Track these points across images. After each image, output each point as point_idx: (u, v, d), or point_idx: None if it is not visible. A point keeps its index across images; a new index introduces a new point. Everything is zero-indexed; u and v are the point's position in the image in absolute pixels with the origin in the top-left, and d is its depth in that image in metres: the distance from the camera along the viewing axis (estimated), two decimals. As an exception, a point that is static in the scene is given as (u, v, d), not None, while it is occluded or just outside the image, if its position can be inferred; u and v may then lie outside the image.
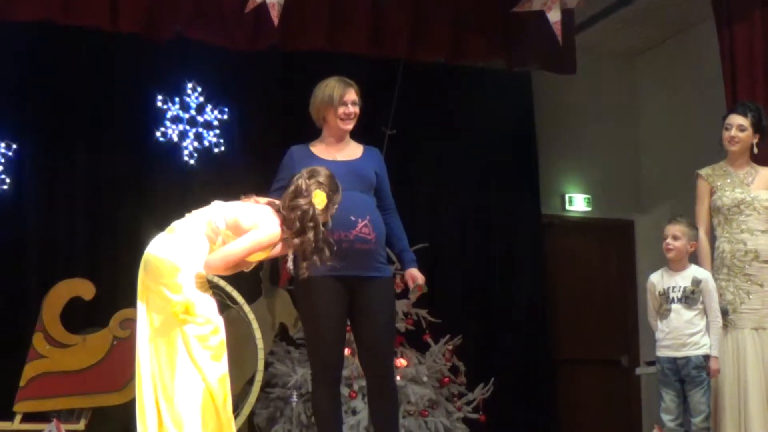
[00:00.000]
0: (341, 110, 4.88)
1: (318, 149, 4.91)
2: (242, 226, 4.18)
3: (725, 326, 5.50)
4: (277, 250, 4.28)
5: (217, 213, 4.24)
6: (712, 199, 5.71)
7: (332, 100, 4.85)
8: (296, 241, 4.22)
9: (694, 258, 5.73)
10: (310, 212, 4.23)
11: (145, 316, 4.19)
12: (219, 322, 4.16)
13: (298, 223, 4.21)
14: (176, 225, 4.28)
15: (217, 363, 4.09)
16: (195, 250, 4.16)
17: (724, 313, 5.51)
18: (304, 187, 4.28)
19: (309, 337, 4.84)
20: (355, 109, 4.91)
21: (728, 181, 5.75)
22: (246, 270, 4.34)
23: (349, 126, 4.92)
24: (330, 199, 4.31)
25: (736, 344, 5.56)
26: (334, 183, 4.36)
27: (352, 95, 4.90)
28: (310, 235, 4.21)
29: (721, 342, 5.47)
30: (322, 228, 4.25)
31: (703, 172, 5.79)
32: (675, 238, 5.61)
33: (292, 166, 4.79)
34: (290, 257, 4.29)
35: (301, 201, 4.24)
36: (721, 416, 5.51)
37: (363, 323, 4.82)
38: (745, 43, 6.93)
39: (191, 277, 4.11)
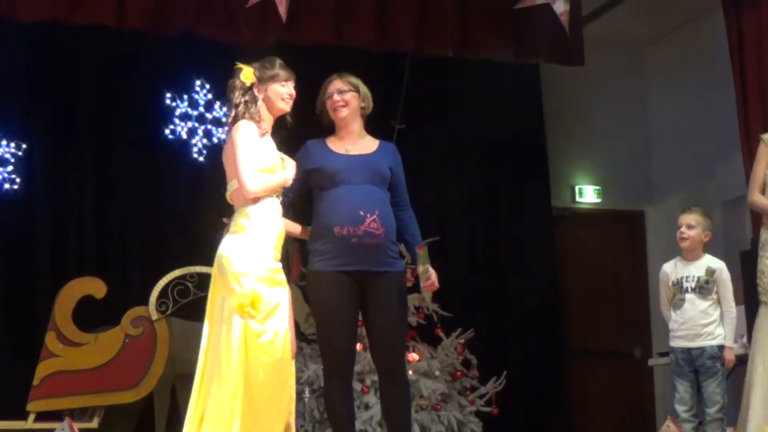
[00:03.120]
0: (329, 102, 4.94)
1: (332, 142, 4.94)
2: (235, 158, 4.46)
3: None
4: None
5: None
6: None
7: (322, 97, 4.95)
8: (242, 110, 4.53)
9: (708, 248, 5.70)
10: (236, 84, 4.56)
11: (207, 323, 4.38)
12: (279, 324, 4.33)
13: (233, 99, 4.56)
14: (243, 223, 4.41)
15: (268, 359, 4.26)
16: (261, 247, 4.36)
17: None
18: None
19: (320, 332, 4.84)
20: (342, 97, 4.92)
21: None
22: (285, 180, 4.54)
23: (342, 113, 4.92)
24: (261, 74, 4.58)
25: None
26: (270, 63, 4.63)
27: (336, 85, 4.94)
28: (243, 99, 4.54)
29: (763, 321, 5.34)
30: (258, 95, 4.57)
31: (766, 136, 5.55)
32: (689, 227, 5.59)
33: (305, 160, 4.82)
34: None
35: (229, 84, 4.61)
36: (752, 393, 5.38)
37: (375, 318, 4.82)
38: (753, 32, 6.92)
39: (258, 274, 4.29)
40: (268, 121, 4.62)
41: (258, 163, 4.45)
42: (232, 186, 4.51)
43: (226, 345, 4.23)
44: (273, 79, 4.62)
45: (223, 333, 4.27)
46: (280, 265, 4.46)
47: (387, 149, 5.03)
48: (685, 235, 5.58)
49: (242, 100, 4.57)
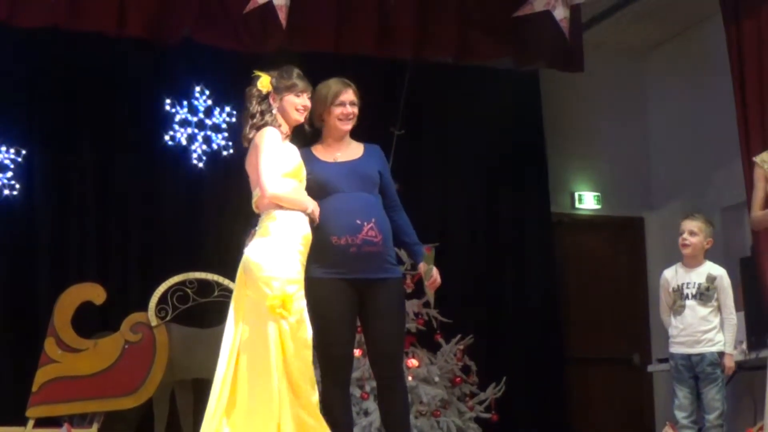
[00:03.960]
0: (339, 111, 4.85)
1: (318, 151, 4.88)
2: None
3: None
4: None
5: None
6: None
7: (330, 100, 4.83)
8: (258, 119, 4.57)
9: (707, 254, 5.70)
10: (253, 92, 4.60)
11: (233, 323, 4.42)
12: (308, 323, 4.41)
13: (249, 108, 4.59)
14: (270, 227, 4.42)
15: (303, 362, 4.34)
16: (288, 250, 4.40)
17: None
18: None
19: (318, 338, 4.82)
20: (353, 110, 4.89)
21: None
22: (305, 207, 4.52)
23: (348, 126, 4.90)
24: (278, 83, 4.60)
25: None
26: (287, 73, 4.65)
27: (350, 95, 4.88)
28: (259, 108, 4.57)
29: None
30: (273, 105, 4.60)
31: (759, 158, 5.53)
32: (692, 233, 5.59)
33: None
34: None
35: (246, 92, 4.64)
36: None
37: (373, 325, 4.81)
38: (752, 38, 6.93)
39: (288, 276, 4.34)
40: (284, 128, 4.64)
41: (280, 167, 4.47)
42: (256, 194, 4.52)
43: (263, 349, 4.25)
44: (289, 89, 4.64)
45: (258, 337, 4.28)
46: (302, 270, 4.47)
47: (373, 152, 4.99)
48: (687, 242, 5.58)
49: (258, 109, 4.59)
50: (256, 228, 4.51)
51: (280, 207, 4.44)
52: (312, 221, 4.53)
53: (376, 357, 4.89)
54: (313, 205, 4.56)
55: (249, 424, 4.23)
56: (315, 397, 4.41)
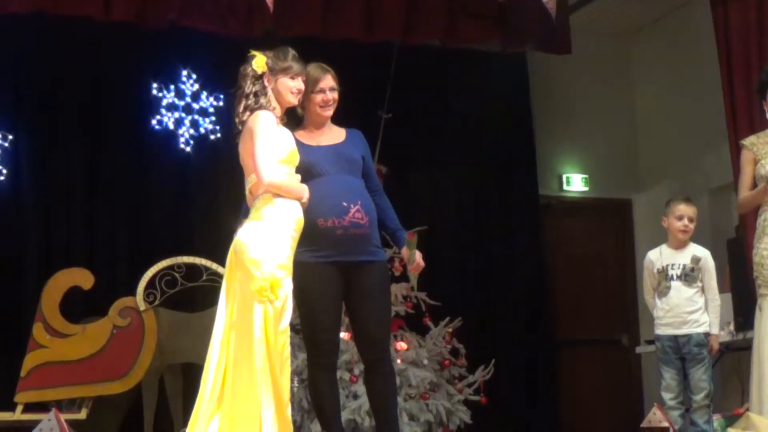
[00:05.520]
0: (319, 97, 4.85)
1: (301, 135, 4.86)
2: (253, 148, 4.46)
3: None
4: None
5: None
6: (756, 167, 5.40)
7: (310, 88, 4.80)
8: (252, 101, 4.52)
9: (694, 235, 5.72)
10: (248, 71, 4.55)
11: (224, 304, 4.39)
12: (289, 313, 4.38)
13: (243, 87, 4.53)
14: (264, 211, 4.40)
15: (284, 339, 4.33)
16: (280, 234, 4.36)
17: None
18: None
19: (304, 322, 4.85)
20: (333, 95, 4.88)
21: None
22: (300, 195, 4.49)
23: (329, 112, 4.90)
24: (273, 64, 4.56)
25: None
26: (283, 54, 4.61)
27: (329, 81, 4.86)
28: (254, 88, 4.52)
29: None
30: (268, 86, 4.55)
31: (747, 141, 5.53)
32: (691, 220, 5.62)
33: None
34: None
35: (241, 71, 4.58)
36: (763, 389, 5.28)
37: (360, 307, 4.82)
38: (739, 20, 6.93)
39: (277, 260, 4.30)
40: (278, 111, 4.60)
41: (275, 153, 4.45)
42: (251, 180, 4.48)
43: (247, 330, 4.24)
44: (284, 71, 4.61)
45: (243, 318, 4.27)
46: (292, 255, 4.45)
47: (355, 137, 5.00)
48: (689, 228, 5.61)
49: (252, 90, 4.55)
50: (250, 212, 4.49)
51: (277, 194, 4.43)
52: (303, 206, 4.52)
53: (362, 340, 4.90)
54: (308, 193, 4.55)
55: (233, 408, 4.23)
56: (285, 382, 4.38)
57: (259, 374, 4.19)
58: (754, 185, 5.41)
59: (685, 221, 5.61)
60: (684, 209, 5.63)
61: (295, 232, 4.46)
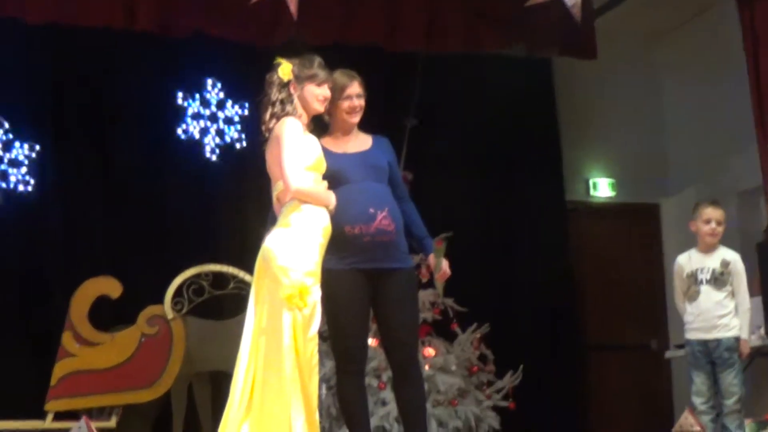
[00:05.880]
0: (346, 104, 4.84)
1: (328, 143, 4.84)
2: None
3: None
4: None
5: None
6: None
7: (337, 95, 4.79)
8: (278, 108, 4.52)
9: (723, 239, 5.68)
10: (274, 79, 4.55)
11: (253, 311, 4.38)
12: (318, 317, 4.37)
13: (270, 95, 4.53)
14: (291, 218, 4.40)
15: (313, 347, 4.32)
16: (308, 242, 4.36)
17: None
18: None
19: (332, 329, 4.84)
20: (360, 102, 4.87)
21: None
22: (328, 202, 4.49)
23: (356, 119, 4.89)
24: (299, 72, 4.56)
25: None
26: (309, 62, 4.61)
27: (356, 88, 4.85)
28: (280, 96, 4.52)
29: None
30: (294, 93, 4.55)
31: None
32: (719, 223, 5.59)
33: None
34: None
35: (267, 79, 4.58)
36: None
37: (386, 314, 4.82)
38: (766, 21, 6.88)
39: (306, 268, 4.30)
40: (304, 119, 4.61)
41: (302, 160, 4.45)
42: (278, 187, 4.48)
43: (276, 338, 4.24)
44: (310, 79, 4.60)
45: (272, 326, 4.27)
46: (320, 262, 4.44)
47: (381, 144, 4.99)
48: (717, 231, 5.58)
49: (278, 98, 4.54)
50: (278, 219, 4.49)
51: (305, 201, 4.43)
52: (330, 214, 4.52)
53: (390, 346, 4.89)
54: (335, 199, 4.54)
55: (263, 415, 4.22)
56: (313, 389, 4.37)
57: (288, 382, 4.19)
58: None
59: (713, 224, 5.58)
60: (711, 213, 5.60)
61: (323, 239, 4.45)
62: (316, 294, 4.35)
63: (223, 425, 4.27)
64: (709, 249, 5.60)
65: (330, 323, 4.82)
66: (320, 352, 6.54)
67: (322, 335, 6.75)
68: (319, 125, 4.89)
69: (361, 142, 4.93)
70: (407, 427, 4.91)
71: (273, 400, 4.21)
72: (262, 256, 4.38)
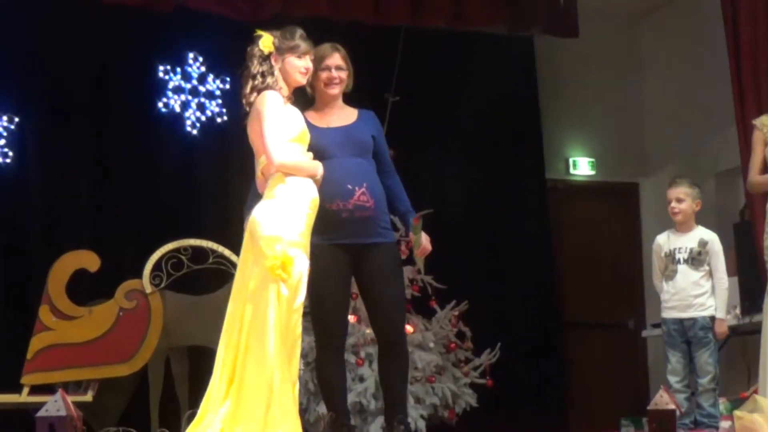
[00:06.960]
0: (324, 75, 4.85)
1: (312, 116, 4.85)
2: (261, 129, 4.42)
3: None
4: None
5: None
6: (766, 149, 5.40)
7: (316, 65, 4.77)
8: (259, 81, 4.47)
9: (701, 219, 5.71)
10: (255, 52, 4.51)
11: (240, 281, 4.36)
12: (303, 292, 4.34)
13: (250, 68, 4.49)
14: (276, 190, 4.38)
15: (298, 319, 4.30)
16: (294, 212, 4.34)
17: None
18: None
19: (312, 304, 4.84)
20: (339, 74, 4.87)
21: None
22: (314, 173, 4.46)
23: (334, 91, 4.89)
24: (280, 44, 4.52)
25: None
26: (290, 33, 4.57)
27: (335, 60, 4.86)
28: (260, 69, 4.47)
29: None
30: (275, 65, 4.51)
31: (758, 121, 5.51)
32: (679, 200, 5.60)
33: None
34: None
35: (248, 52, 4.54)
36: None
37: (371, 289, 4.83)
38: (748, 4, 6.89)
39: (291, 238, 4.28)
40: (285, 91, 4.57)
41: (285, 133, 4.42)
42: (262, 161, 4.45)
43: (262, 310, 4.22)
44: (292, 50, 4.57)
45: (257, 298, 4.25)
46: (307, 233, 4.42)
47: (367, 117, 4.99)
48: (676, 209, 5.60)
49: (259, 70, 4.50)
50: (264, 192, 4.46)
51: (289, 173, 4.41)
52: (317, 184, 4.50)
53: (376, 322, 4.91)
54: (321, 169, 4.51)
55: (244, 385, 4.22)
56: (295, 362, 4.37)
57: (271, 352, 4.18)
58: (764, 165, 5.39)
59: (672, 203, 5.60)
60: (670, 192, 5.63)
61: (310, 209, 4.42)
62: (302, 265, 4.32)
63: (206, 399, 4.27)
64: (685, 229, 5.62)
65: (310, 298, 4.82)
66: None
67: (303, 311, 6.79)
68: (305, 99, 4.88)
69: (346, 116, 4.92)
70: (387, 400, 4.93)
71: (255, 369, 4.20)
72: (249, 227, 4.37)
